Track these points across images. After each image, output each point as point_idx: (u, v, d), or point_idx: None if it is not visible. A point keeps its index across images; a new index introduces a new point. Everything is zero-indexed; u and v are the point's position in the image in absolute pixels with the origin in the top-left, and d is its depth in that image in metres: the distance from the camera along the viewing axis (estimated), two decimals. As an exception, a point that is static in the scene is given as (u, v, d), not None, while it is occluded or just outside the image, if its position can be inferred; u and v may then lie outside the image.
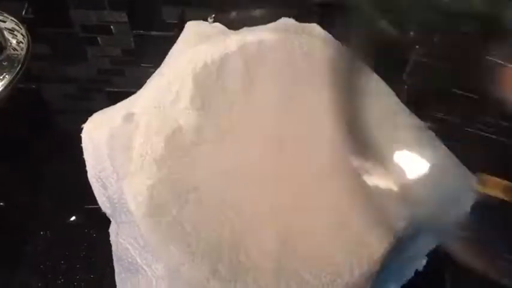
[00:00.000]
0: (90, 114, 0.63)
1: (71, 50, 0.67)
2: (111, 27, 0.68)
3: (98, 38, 0.68)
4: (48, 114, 0.62)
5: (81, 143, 0.55)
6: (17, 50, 0.52)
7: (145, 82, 0.50)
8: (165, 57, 0.61)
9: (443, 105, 0.48)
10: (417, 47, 0.51)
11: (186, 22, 0.61)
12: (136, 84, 0.61)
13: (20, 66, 0.51)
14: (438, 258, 0.48)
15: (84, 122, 0.51)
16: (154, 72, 0.64)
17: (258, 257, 0.39)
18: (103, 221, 0.54)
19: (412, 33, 0.51)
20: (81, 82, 0.65)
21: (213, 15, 0.58)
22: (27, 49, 0.52)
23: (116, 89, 0.64)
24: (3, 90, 0.50)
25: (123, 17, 0.68)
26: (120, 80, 0.66)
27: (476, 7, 0.49)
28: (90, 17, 0.68)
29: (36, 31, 0.57)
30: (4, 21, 0.53)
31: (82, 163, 0.60)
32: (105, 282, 0.51)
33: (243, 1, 0.60)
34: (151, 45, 0.66)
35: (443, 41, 0.50)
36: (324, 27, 0.52)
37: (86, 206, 0.53)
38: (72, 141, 0.62)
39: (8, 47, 0.51)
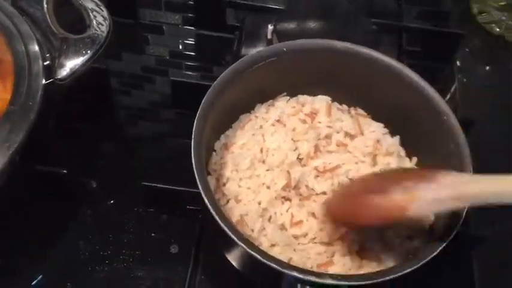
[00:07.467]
0: (129, 109, 0.66)
1: (128, 43, 0.70)
2: (163, 27, 0.72)
3: (149, 37, 0.71)
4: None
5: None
6: (96, 30, 0.54)
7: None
8: (217, 60, 0.65)
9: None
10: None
11: (247, 26, 0.66)
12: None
13: (99, 46, 0.53)
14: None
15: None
16: (197, 75, 0.67)
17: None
18: (150, 200, 0.57)
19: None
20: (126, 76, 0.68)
21: (274, 24, 0.63)
22: (108, 31, 0.54)
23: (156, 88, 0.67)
24: (81, 65, 0.52)
25: (177, 19, 0.72)
26: (161, 80, 0.68)
27: None
28: (145, 14, 0.72)
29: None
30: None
31: (138, 143, 0.62)
32: (150, 258, 0.54)
33: (302, 14, 0.64)
34: (207, 45, 0.69)
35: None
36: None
37: (141, 182, 0.55)
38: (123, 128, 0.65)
39: (91, 27, 0.54)
